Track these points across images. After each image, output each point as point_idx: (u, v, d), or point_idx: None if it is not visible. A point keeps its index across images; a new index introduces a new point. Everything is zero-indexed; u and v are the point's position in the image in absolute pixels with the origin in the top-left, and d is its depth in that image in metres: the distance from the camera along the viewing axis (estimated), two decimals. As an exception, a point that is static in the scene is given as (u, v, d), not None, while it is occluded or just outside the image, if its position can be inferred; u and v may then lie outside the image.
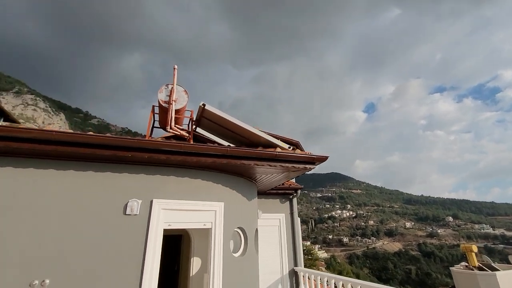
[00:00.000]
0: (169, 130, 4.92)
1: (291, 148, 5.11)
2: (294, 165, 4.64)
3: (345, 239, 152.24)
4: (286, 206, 7.45)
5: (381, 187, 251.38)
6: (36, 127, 3.36)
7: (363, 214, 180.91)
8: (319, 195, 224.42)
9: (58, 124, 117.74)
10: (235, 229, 4.77)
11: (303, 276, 6.43)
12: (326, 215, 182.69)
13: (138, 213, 3.80)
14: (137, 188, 3.94)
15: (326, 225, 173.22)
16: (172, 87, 5.01)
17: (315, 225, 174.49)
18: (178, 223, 4.11)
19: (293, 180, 8.46)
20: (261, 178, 5.74)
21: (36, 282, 3.16)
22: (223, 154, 4.05)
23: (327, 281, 5.38)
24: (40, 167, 3.56)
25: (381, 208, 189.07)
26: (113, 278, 3.46)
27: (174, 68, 5.16)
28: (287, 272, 6.77)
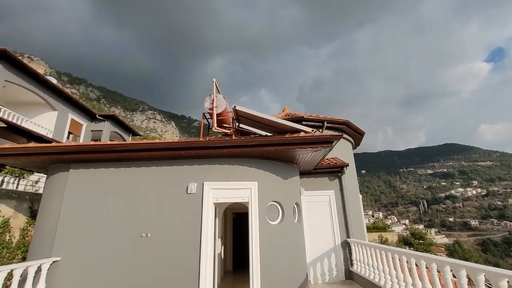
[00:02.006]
0: (214, 130, 6.44)
1: (314, 132, 5.71)
2: (311, 146, 5.31)
3: (473, 222, 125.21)
4: (336, 183, 7.89)
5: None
6: (131, 141, 5.43)
7: (499, 191, 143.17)
8: (429, 171, 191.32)
9: (171, 130, 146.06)
10: (271, 203, 5.87)
11: (354, 246, 6.89)
12: (443, 194, 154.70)
13: (195, 192, 5.48)
14: (193, 174, 5.62)
15: (443, 205, 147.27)
16: (213, 97, 6.45)
17: (428, 206, 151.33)
18: (223, 198, 5.59)
19: (347, 158, 8.65)
20: (297, 159, 6.54)
21: (143, 235, 5.25)
22: (246, 144, 5.21)
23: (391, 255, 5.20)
24: (138, 166, 5.69)
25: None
26: (186, 230, 5.28)
27: (213, 81, 6.59)
28: (340, 243, 7.34)
